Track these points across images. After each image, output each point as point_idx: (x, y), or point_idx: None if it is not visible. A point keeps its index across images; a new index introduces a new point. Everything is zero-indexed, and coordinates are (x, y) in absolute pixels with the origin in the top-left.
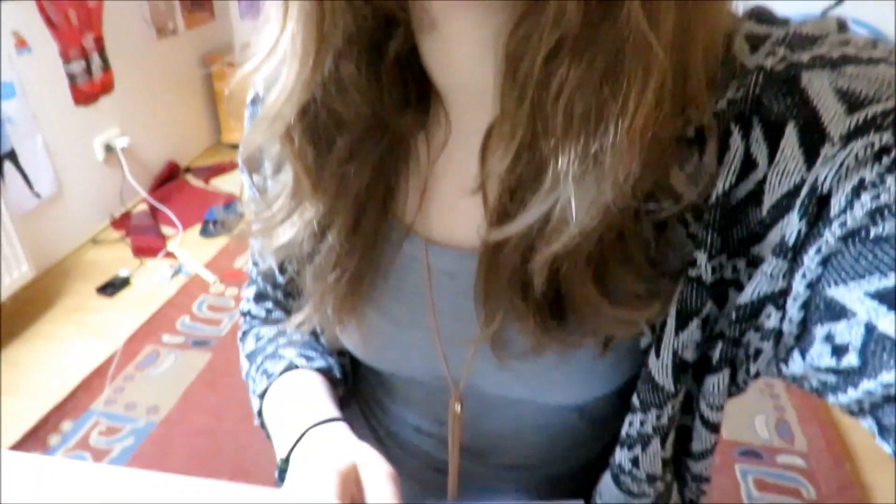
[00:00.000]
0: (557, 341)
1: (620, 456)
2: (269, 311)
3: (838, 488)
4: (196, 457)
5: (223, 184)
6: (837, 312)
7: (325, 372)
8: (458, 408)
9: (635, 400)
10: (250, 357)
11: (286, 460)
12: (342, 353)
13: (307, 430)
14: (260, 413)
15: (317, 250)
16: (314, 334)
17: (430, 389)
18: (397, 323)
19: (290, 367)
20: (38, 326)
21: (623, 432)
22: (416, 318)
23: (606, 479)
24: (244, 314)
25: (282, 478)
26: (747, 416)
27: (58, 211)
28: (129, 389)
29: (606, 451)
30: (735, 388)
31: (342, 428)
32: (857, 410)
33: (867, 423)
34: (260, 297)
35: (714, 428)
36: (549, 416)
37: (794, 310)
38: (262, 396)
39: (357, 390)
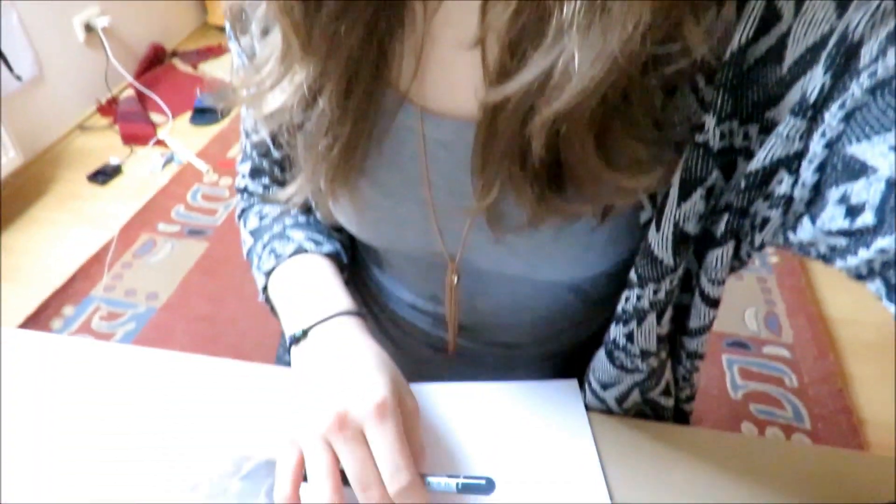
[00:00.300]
0: (554, 212)
1: (615, 331)
2: (266, 188)
3: (820, 377)
4: (197, 341)
5: (213, 69)
6: (857, 171)
7: (334, 256)
8: (454, 279)
9: (633, 275)
10: (255, 234)
11: (306, 332)
12: (340, 230)
13: (336, 315)
14: (265, 289)
15: (308, 118)
16: (311, 211)
17: (426, 265)
18: (391, 195)
19: (300, 249)
20: (32, 213)
21: (619, 308)
22: (411, 191)
23: (600, 355)
24: (241, 191)
25: (291, 345)
26: (738, 308)
27: (41, 95)
28: (128, 276)
29: (601, 332)
30: (738, 261)
31: (366, 329)
32: (866, 273)
33: (874, 286)
34: (256, 173)
35: (713, 303)
36: (545, 293)
37: (808, 173)
38: (268, 274)
39: (354, 268)
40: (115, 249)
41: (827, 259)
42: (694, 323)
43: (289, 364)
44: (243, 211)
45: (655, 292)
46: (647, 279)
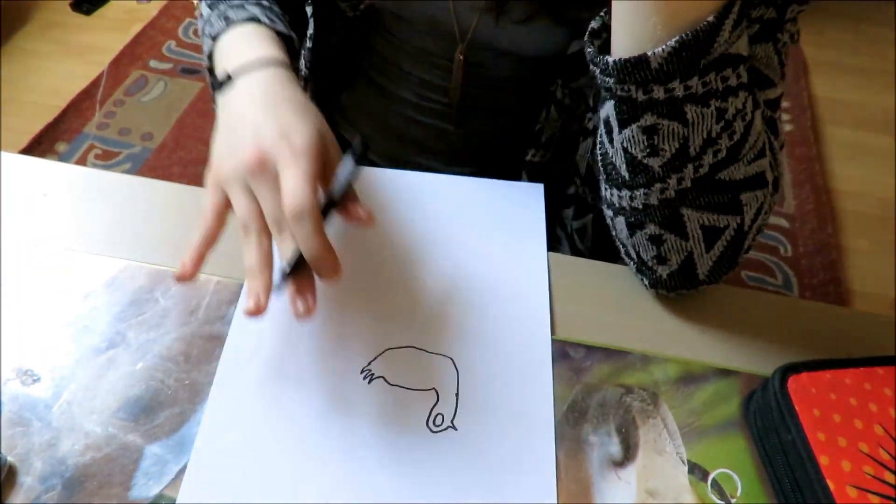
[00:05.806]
0: None
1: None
2: None
3: (815, 248)
4: (195, 183)
5: None
6: None
7: (286, 37)
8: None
9: None
10: (212, 5)
11: (231, 76)
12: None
13: (266, 65)
14: (210, 56)
15: None
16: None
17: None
18: None
19: (253, 18)
20: (15, 42)
21: None
22: None
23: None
24: None
25: (216, 90)
26: None
27: None
28: (121, 115)
29: None
30: None
31: (293, 80)
32: None
33: None
34: None
35: None
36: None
37: None
38: (214, 38)
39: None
40: (106, 85)
41: None
42: None
43: None
44: None
45: None
46: None
